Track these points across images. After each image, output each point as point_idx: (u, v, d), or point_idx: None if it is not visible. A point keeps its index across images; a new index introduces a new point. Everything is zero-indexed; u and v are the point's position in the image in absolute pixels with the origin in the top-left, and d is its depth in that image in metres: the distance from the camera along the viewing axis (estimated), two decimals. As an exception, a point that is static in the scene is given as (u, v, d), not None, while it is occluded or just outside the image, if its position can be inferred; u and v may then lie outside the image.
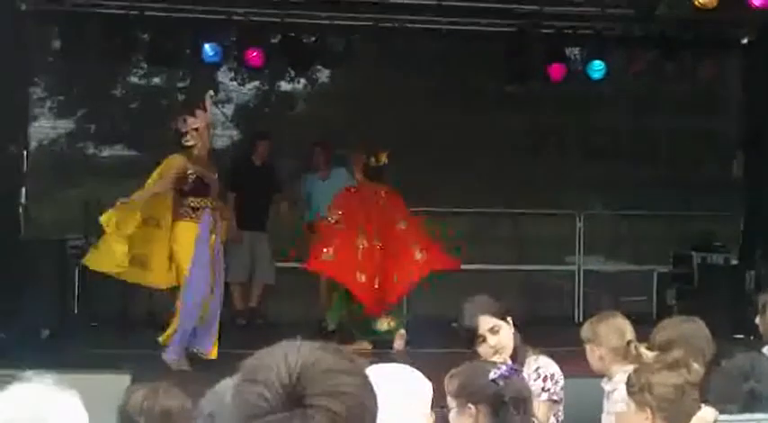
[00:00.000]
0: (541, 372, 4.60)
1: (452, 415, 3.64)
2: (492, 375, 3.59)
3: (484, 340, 4.54)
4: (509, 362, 4.40)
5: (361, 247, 9.35)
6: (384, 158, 9.67)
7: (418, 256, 9.39)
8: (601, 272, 13.06)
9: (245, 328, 10.98)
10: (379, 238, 9.44)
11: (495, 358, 4.42)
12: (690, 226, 12.97)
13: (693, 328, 4.61)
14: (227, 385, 2.95)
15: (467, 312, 4.62)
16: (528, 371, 4.54)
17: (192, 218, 8.41)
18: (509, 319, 4.66)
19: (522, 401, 3.61)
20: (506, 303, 4.81)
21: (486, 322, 4.54)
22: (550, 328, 9.61)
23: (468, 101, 12.91)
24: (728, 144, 13.13)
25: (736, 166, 12.90)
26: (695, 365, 3.89)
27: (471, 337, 4.56)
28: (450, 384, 3.67)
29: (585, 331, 4.91)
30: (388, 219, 9.55)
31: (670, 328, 4.65)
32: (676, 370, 3.73)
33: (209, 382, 3.10)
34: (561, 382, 4.63)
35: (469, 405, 3.58)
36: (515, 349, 4.63)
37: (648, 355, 4.45)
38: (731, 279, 11.37)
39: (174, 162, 8.39)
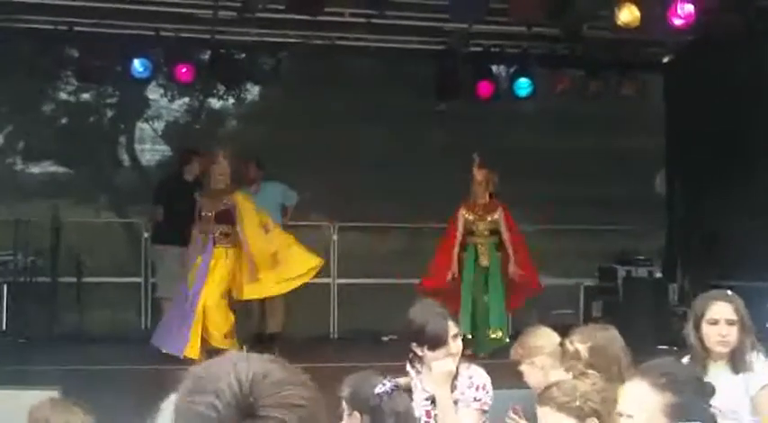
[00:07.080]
0: (474, 381, 4.60)
1: (344, 417, 3.89)
2: (377, 389, 3.81)
3: (446, 345, 4.51)
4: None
5: None
6: None
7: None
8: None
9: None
10: None
11: (453, 363, 4.49)
12: (614, 241, 13.17)
13: (607, 337, 4.57)
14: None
15: (431, 317, 4.55)
16: (461, 380, 4.59)
17: None
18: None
19: (401, 417, 3.81)
20: None
21: (452, 328, 4.54)
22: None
23: (396, 119, 13.00)
24: (651, 161, 13.40)
25: (658, 182, 13.20)
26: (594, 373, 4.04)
27: (435, 342, 4.51)
28: (343, 390, 3.90)
29: (517, 352, 4.86)
30: None
31: (583, 335, 4.58)
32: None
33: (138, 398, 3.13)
34: (491, 393, 4.63)
35: (355, 412, 3.85)
36: None
37: (583, 348, 4.46)
38: (655, 292, 11.64)
39: None
